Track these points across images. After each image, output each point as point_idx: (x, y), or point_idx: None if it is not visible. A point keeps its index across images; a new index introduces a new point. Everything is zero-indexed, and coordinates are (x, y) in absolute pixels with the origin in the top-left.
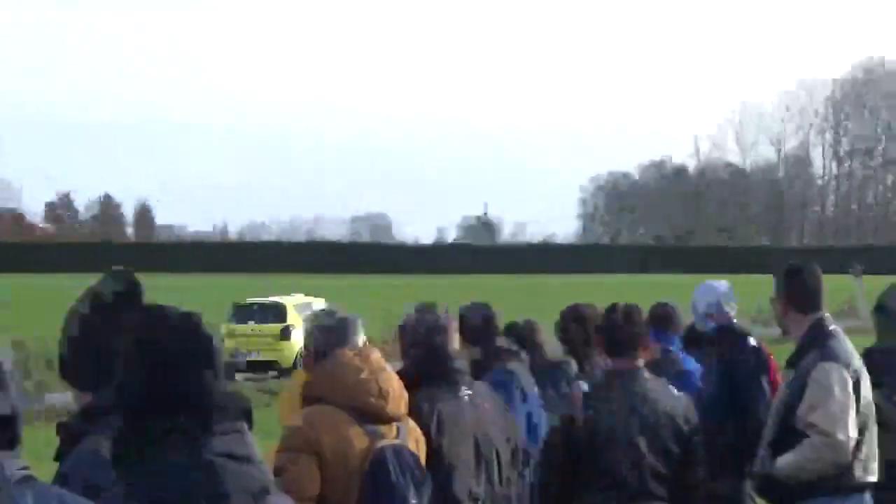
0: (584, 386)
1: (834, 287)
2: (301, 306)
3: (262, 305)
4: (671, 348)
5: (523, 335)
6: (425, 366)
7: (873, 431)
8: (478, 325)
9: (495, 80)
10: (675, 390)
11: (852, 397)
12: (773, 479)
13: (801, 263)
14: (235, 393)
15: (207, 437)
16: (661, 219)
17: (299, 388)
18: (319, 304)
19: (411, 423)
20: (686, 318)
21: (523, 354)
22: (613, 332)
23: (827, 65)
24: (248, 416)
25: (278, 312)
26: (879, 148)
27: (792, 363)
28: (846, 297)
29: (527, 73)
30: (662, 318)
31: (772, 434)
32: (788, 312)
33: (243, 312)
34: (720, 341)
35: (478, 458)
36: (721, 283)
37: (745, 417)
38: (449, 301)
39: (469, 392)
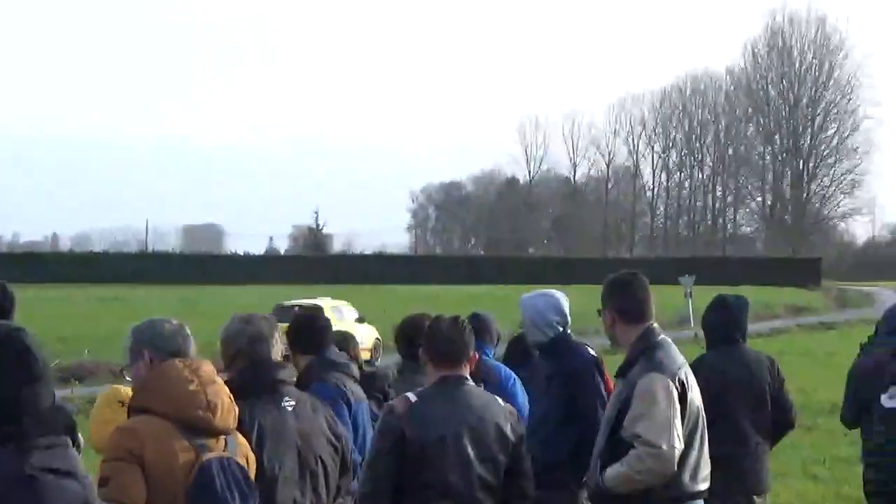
0: (412, 396)
1: (664, 298)
2: (333, 309)
3: (301, 307)
4: (486, 357)
5: (339, 347)
6: (247, 376)
7: (703, 440)
8: (310, 334)
9: (327, 89)
10: (501, 400)
11: (678, 408)
12: (602, 489)
13: (629, 274)
14: (60, 408)
15: (29, 451)
16: (492, 229)
17: (114, 402)
18: (347, 307)
19: (241, 436)
20: (505, 327)
21: (353, 366)
22: (440, 343)
23: (654, 76)
24: (71, 430)
25: (317, 313)
26: (707, 159)
27: (621, 373)
28: (677, 308)
29: (360, 83)
30: (478, 327)
31: (601, 444)
32: (617, 323)
33: (285, 313)
34: (560, 351)
35: (302, 469)
36: (559, 293)
37: (585, 427)
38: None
39: (292, 403)
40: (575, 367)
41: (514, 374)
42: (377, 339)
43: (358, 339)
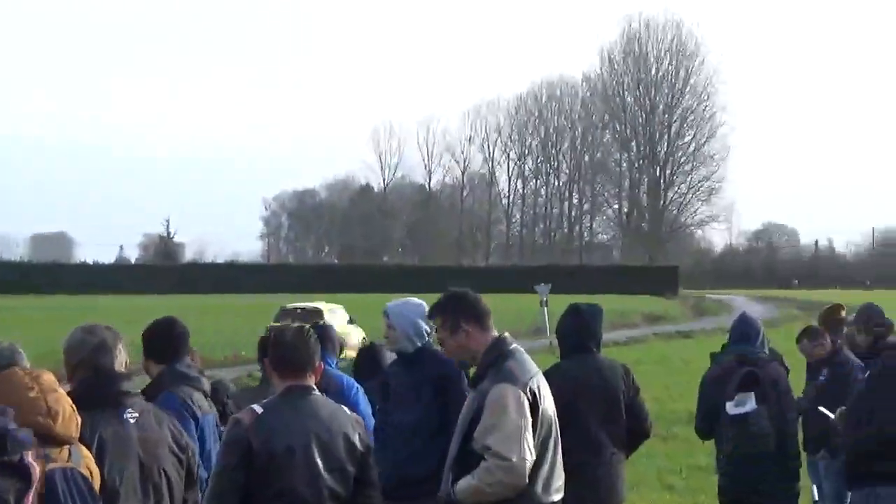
0: (258, 408)
1: (520, 306)
2: (330, 311)
3: (304, 309)
4: (328, 367)
5: None
6: (89, 387)
7: (556, 450)
8: (165, 342)
9: (179, 94)
10: (347, 409)
11: (529, 418)
12: (453, 502)
13: (462, 289)
14: None
15: None
16: (346, 237)
17: None
18: (340, 310)
19: (84, 448)
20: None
21: (203, 380)
22: (285, 353)
23: (510, 82)
24: None
25: (317, 315)
26: (563, 166)
27: (474, 383)
28: (532, 317)
29: (211, 87)
30: (320, 336)
31: (452, 456)
32: (473, 334)
33: (288, 314)
34: (425, 359)
35: (144, 482)
36: (423, 302)
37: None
38: (129, 323)
39: (135, 414)
40: (445, 372)
41: (356, 384)
42: (363, 337)
43: (350, 340)
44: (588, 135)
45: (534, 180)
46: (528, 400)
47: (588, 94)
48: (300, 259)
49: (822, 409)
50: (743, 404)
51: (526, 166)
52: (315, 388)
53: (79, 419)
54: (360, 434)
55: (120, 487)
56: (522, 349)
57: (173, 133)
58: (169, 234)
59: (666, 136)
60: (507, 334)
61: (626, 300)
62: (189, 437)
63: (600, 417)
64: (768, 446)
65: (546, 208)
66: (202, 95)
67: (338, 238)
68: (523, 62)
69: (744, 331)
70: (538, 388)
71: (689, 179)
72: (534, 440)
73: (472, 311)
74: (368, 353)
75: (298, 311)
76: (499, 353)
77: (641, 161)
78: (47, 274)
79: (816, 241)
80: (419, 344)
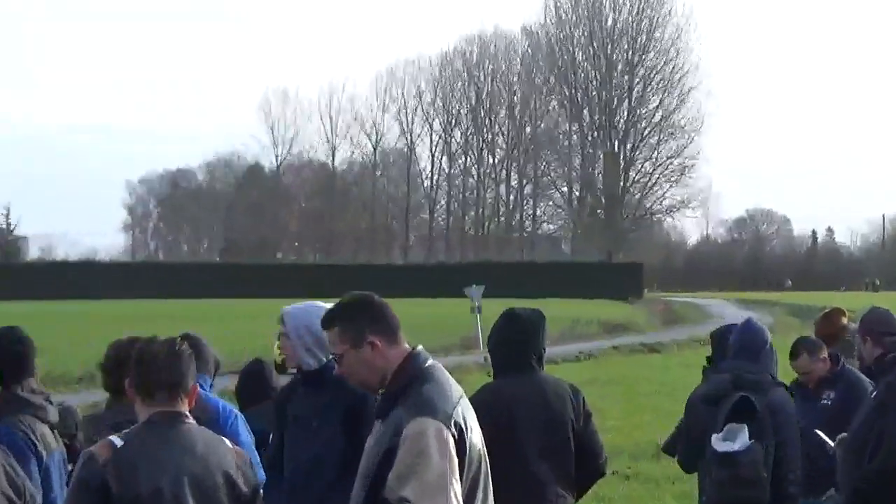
0: (116, 440)
1: (447, 313)
2: None
3: None
4: (201, 390)
5: None
6: None
7: (487, 493)
8: (2, 361)
9: (20, 59)
10: (229, 441)
11: (455, 460)
12: None
13: (364, 293)
14: None
15: None
16: (230, 229)
17: None
18: None
19: None
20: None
21: (50, 408)
22: (151, 372)
23: (433, 37)
24: None
25: None
26: (499, 140)
27: (381, 413)
28: (461, 326)
29: (61, 51)
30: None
31: None
32: (383, 349)
33: None
34: (333, 377)
35: None
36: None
37: None
38: None
39: None
40: (359, 394)
41: (234, 410)
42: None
43: None
44: (530, 101)
45: (463, 157)
46: (454, 436)
47: (529, 50)
48: (173, 256)
49: (818, 432)
50: (733, 439)
51: (453, 140)
52: (188, 415)
53: None
54: (243, 471)
55: None
56: (441, 366)
57: (14, 104)
58: (8, 226)
59: (626, 103)
60: (420, 348)
61: (578, 305)
62: (29, 478)
63: (542, 450)
64: (761, 494)
65: (478, 192)
66: (50, 62)
67: (220, 230)
68: (449, 12)
69: (746, 343)
70: (463, 418)
71: (655, 155)
72: (461, 486)
73: (380, 319)
74: (254, 372)
75: None
76: (412, 374)
77: (596, 133)
78: None
79: (813, 232)
80: (324, 359)
